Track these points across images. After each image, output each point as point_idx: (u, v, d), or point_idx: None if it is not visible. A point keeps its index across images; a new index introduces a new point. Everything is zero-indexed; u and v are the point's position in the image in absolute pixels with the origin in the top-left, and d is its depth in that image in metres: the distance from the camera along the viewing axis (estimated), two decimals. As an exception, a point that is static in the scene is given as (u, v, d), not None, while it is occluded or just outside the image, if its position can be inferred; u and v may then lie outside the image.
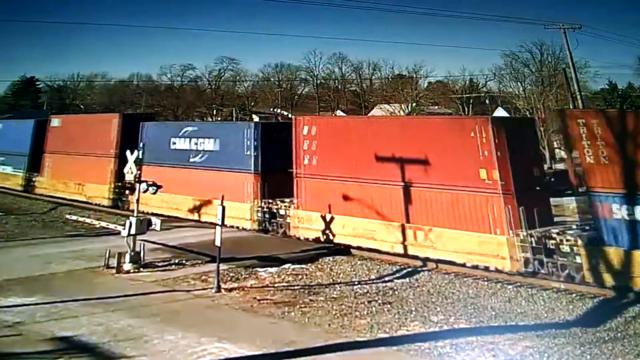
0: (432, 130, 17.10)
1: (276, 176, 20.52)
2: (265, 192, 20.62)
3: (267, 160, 20.90)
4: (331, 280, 14.67)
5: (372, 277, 15.06)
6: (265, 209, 20.49)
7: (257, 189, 20.70)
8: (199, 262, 15.62)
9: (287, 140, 20.22)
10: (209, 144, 22.73)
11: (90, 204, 26.40)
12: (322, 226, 18.58)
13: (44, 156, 30.53)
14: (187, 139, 23.52)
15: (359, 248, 17.46)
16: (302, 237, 18.92)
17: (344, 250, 17.64)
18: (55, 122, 31.18)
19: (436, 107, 75.51)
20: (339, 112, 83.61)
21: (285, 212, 19.87)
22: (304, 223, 19.18)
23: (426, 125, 18.08)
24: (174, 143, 24.03)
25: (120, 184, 24.85)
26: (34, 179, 31.16)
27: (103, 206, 25.93)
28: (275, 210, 20.23)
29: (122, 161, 24.22)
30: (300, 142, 19.84)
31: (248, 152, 21.11)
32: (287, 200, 19.97)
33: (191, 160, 23.16)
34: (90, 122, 30.63)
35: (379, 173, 17.42)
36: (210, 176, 22.14)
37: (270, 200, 20.42)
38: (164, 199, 22.50)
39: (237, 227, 20.47)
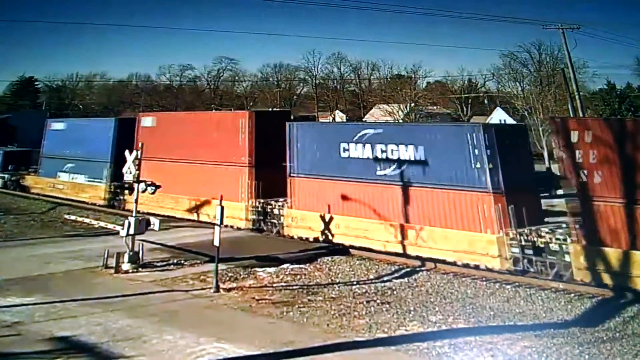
0: None
1: (522, 197, 15.76)
2: (522, 218, 15.37)
3: (508, 175, 15.79)
4: (330, 280, 14.67)
5: (371, 277, 15.06)
6: (524, 242, 14.86)
7: (502, 214, 15.32)
8: (198, 262, 15.62)
9: (522, 147, 17.13)
10: (406, 152, 17.37)
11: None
12: None
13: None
14: (369, 145, 18.24)
15: None
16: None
17: (343, 249, 17.64)
18: (147, 121, 25.60)
19: (435, 107, 75.63)
20: (337, 113, 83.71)
21: (562, 248, 14.38)
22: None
23: None
24: (346, 150, 18.78)
25: (259, 201, 20.73)
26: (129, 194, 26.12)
27: (239, 229, 20.91)
28: (542, 245, 14.68)
29: (260, 172, 20.91)
30: (572, 152, 14.47)
31: (477, 164, 15.90)
32: (546, 228, 15.01)
33: (379, 173, 17.88)
34: (204, 122, 24.49)
35: None
36: (418, 195, 16.97)
37: (526, 230, 14.99)
38: (344, 224, 18.31)
39: (476, 266, 15.52)
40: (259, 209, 20.76)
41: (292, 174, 20.09)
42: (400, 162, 17.52)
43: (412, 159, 17.27)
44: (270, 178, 20.60)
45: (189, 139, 23.41)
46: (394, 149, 17.70)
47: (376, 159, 18.05)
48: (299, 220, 19.54)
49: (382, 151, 17.94)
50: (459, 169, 16.24)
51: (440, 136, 17.15)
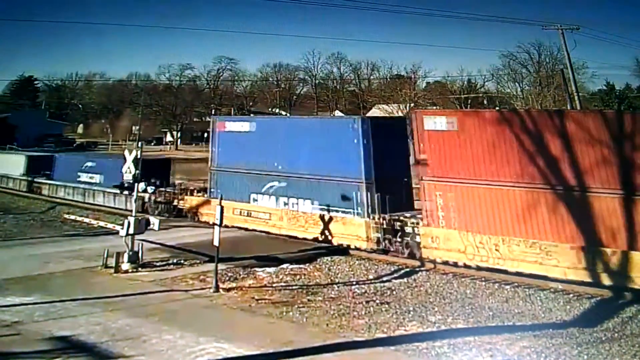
0: None
1: None
2: None
3: None
4: (329, 280, 14.67)
5: (370, 277, 15.07)
6: None
7: None
8: (197, 261, 15.62)
9: None
10: None
11: None
12: None
13: (424, 187, 16.22)
14: None
15: None
16: None
17: (342, 250, 17.63)
18: (438, 122, 16.20)
19: (434, 107, 75.58)
20: (337, 113, 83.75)
21: None
22: None
23: None
24: None
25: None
26: (423, 233, 15.97)
27: None
28: None
29: None
30: None
31: None
32: None
33: None
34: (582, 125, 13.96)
35: None
36: None
37: None
38: None
39: None
40: None
41: None
42: None
43: None
44: None
45: (548, 151, 14.36)
46: None
47: None
48: None
49: None
50: None
51: None
